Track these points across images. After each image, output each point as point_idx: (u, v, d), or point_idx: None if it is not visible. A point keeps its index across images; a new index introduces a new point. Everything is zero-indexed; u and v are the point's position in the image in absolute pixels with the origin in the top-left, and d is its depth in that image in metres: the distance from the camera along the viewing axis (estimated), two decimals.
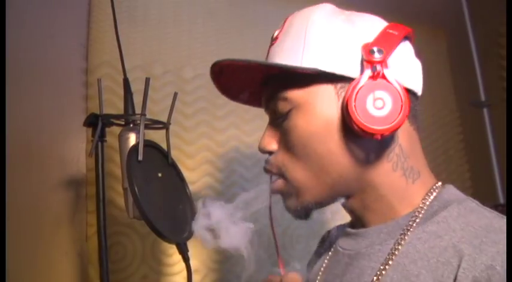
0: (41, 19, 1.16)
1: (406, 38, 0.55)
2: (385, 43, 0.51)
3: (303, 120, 0.54)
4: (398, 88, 0.48)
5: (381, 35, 0.52)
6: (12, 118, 1.06)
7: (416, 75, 0.57)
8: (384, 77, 0.49)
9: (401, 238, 0.51)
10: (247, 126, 1.32)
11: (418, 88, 0.56)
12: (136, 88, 0.84)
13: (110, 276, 0.77)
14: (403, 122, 0.49)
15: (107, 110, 1.07)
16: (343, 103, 0.51)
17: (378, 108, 0.48)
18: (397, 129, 0.49)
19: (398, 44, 0.53)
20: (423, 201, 0.54)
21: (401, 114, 0.48)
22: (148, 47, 1.26)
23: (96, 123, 0.74)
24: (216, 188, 1.25)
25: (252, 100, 0.67)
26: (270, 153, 0.59)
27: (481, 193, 1.78)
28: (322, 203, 0.57)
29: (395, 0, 1.76)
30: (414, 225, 0.52)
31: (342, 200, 0.58)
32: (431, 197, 0.54)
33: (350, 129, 0.51)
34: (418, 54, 0.58)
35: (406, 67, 0.54)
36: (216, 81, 0.64)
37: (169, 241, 0.70)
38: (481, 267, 0.42)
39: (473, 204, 0.52)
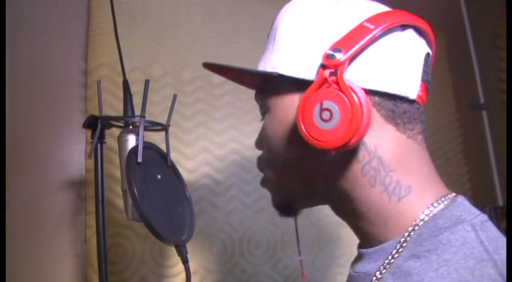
0: (40, 20, 1.16)
1: (404, 26, 0.48)
2: (351, 41, 0.44)
3: (270, 124, 0.53)
4: (353, 96, 0.42)
5: (353, 30, 0.45)
6: (11, 119, 1.05)
7: (405, 73, 0.47)
8: (336, 83, 0.43)
9: (384, 267, 0.46)
10: (246, 128, 1.32)
11: (406, 89, 0.47)
12: (136, 89, 0.84)
13: (109, 277, 0.77)
14: (359, 134, 0.42)
15: (106, 112, 1.07)
16: None
17: (324, 120, 0.43)
18: (351, 143, 0.42)
19: (374, 39, 0.45)
20: (413, 225, 0.45)
21: (353, 126, 0.41)
22: (148, 48, 1.26)
23: (96, 125, 0.74)
24: (215, 189, 1.24)
25: None
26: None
27: (480, 195, 1.78)
28: (299, 203, 0.57)
29: (394, 3, 1.77)
30: (401, 252, 0.44)
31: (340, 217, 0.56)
32: (424, 221, 0.45)
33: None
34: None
35: (386, 66, 0.46)
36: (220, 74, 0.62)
37: (169, 243, 0.70)
38: None
39: (470, 233, 0.41)
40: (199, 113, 1.28)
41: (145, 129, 0.75)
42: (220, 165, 1.27)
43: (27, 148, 1.09)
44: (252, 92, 0.62)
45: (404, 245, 0.45)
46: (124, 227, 1.11)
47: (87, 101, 1.16)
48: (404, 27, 0.48)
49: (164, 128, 0.80)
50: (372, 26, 0.45)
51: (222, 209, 1.24)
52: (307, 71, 0.46)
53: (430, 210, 0.45)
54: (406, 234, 0.45)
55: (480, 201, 1.76)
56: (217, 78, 1.32)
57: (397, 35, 0.47)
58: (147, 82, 0.75)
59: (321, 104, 0.43)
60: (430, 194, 0.47)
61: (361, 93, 0.42)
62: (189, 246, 0.74)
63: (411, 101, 0.48)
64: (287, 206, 0.58)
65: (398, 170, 0.46)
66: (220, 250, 1.22)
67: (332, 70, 0.43)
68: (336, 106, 0.42)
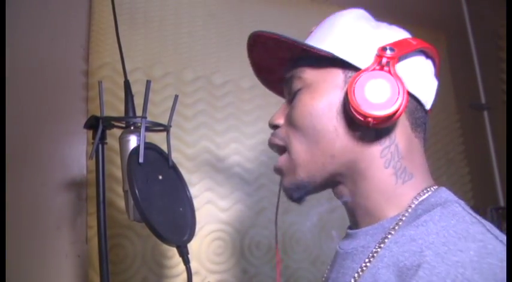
0: (41, 21, 1.17)
1: (428, 56, 0.59)
2: (400, 46, 0.54)
3: (309, 97, 0.58)
4: (399, 83, 0.50)
5: (399, 40, 0.55)
6: (12, 120, 1.06)
7: (427, 89, 0.58)
8: (389, 70, 0.51)
9: (382, 241, 0.53)
10: (247, 128, 1.32)
11: (426, 100, 0.57)
12: (137, 90, 0.84)
13: (110, 278, 0.77)
14: (397, 113, 0.50)
15: (108, 112, 1.07)
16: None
17: (375, 95, 0.51)
18: (388, 119, 0.51)
19: (414, 51, 0.55)
20: (410, 204, 0.54)
21: (395, 104, 0.50)
22: (149, 49, 1.26)
23: (97, 125, 0.74)
24: (217, 190, 1.25)
25: (280, 87, 0.69)
26: (276, 127, 0.63)
27: (481, 196, 1.78)
28: (314, 184, 0.59)
29: (397, 3, 1.77)
30: (397, 228, 0.52)
31: (344, 198, 0.60)
32: (419, 200, 0.54)
33: (349, 114, 0.54)
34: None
35: (417, 77, 0.56)
36: (250, 56, 0.68)
37: (170, 244, 0.70)
38: (436, 276, 0.43)
39: (458, 208, 0.50)
40: (200, 114, 1.28)
41: (147, 129, 0.75)
42: (221, 165, 1.27)
43: (29, 149, 1.09)
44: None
45: (402, 220, 0.53)
46: (125, 228, 1.11)
47: (89, 101, 1.16)
48: (427, 56, 0.59)
49: (165, 128, 0.80)
50: (414, 42, 0.56)
51: (223, 209, 1.24)
52: (359, 58, 0.55)
53: (424, 192, 0.55)
54: (404, 211, 0.54)
55: (481, 201, 1.76)
56: (218, 79, 1.32)
57: (428, 60, 0.59)
58: (148, 83, 0.75)
59: (375, 80, 0.51)
60: (424, 182, 0.57)
61: (404, 85, 0.51)
62: (190, 247, 0.74)
63: (425, 111, 0.59)
64: (300, 189, 0.60)
65: (406, 159, 0.56)
66: (221, 250, 1.22)
67: (387, 60, 0.52)
68: (388, 85, 0.51)
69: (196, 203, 0.82)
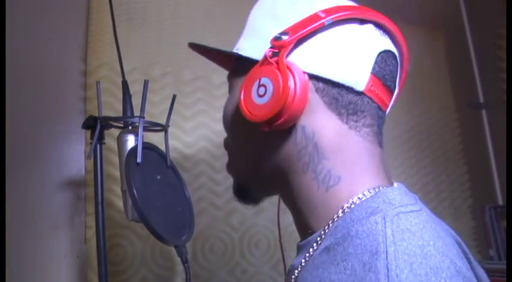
0: (39, 21, 1.16)
1: (363, 21, 0.48)
2: (301, 27, 0.45)
3: (226, 104, 0.55)
4: (288, 74, 0.43)
5: (306, 18, 0.46)
6: (10, 120, 1.05)
7: (353, 64, 0.47)
8: (276, 62, 0.44)
9: (304, 261, 0.46)
10: None
11: (352, 80, 0.47)
12: (135, 90, 0.84)
13: (109, 278, 0.77)
14: (289, 113, 0.44)
15: (106, 112, 1.07)
16: None
17: (259, 95, 0.45)
18: (281, 121, 0.44)
19: (322, 28, 0.46)
20: (334, 217, 0.44)
21: (280, 102, 0.43)
22: (147, 48, 1.26)
23: (95, 125, 0.74)
24: (215, 190, 1.25)
25: None
26: None
27: (480, 194, 1.78)
28: (253, 187, 0.57)
29: (394, 3, 1.77)
30: (314, 248, 0.45)
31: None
32: (344, 212, 0.44)
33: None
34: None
35: (333, 55, 0.46)
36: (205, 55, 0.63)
37: (169, 244, 0.70)
38: None
39: (377, 225, 0.39)
40: (199, 114, 1.28)
41: (145, 129, 0.75)
42: (220, 165, 1.27)
43: (27, 149, 1.09)
44: None
45: (323, 236, 0.44)
46: (124, 228, 1.11)
47: (87, 101, 1.16)
48: (363, 21, 0.48)
49: (163, 128, 0.80)
50: (323, 15, 0.46)
51: (222, 209, 1.24)
52: (260, 52, 0.47)
53: (353, 202, 0.44)
54: (326, 226, 0.45)
55: (480, 200, 1.76)
56: (217, 79, 1.32)
57: (352, 27, 0.48)
58: (146, 82, 0.75)
59: (259, 80, 0.45)
60: (359, 186, 0.46)
61: (300, 75, 0.44)
62: (189, 247, 0.74)
63: (358, 93, 0.47)
64: (243, 191, 0.58)
65: (332, 159, 0.46)
66: (220, 250, 1.22)
67: (275, 50, 0.45)
68: (270, 82, 0.44)
69: (194, 202, 0.82)
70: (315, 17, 0.46)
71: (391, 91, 0.51)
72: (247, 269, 1.23)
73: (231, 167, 0.59)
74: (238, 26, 1.48)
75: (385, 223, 0.39)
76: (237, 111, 0.50)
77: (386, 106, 0.51)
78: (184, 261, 0.69)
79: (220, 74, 1.33)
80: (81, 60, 1.19)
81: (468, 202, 1.76)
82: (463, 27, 1.87)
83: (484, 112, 1.85)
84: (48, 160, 1.11)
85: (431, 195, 1.66)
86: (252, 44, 0.51)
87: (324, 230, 0.44)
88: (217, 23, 1.37)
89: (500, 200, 1.79)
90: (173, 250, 0.71)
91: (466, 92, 1.88)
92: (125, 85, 0.79)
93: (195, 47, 0.59)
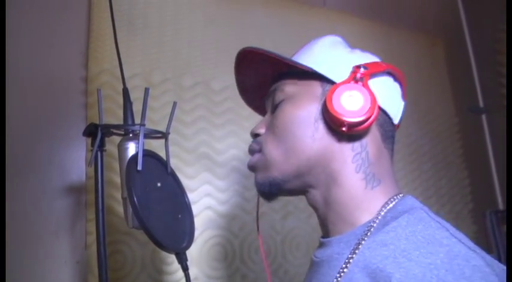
0: (40, 28, 1.17)
1: (396, 80, 0.64)
2: (372, 66, 0.60)
3: (290, 107, 0.64)
4: (371, 95, 0.56)
5: (371, 62, 0.62)
6: (12, 125, 1.06)
7: (395, 106, 0.64)
8: (362, 84, 0.58)
9: (356, 247, 0.56)
10: (246, 134, 1.32)
11: (394, 115, 0.63)
12: (136, 96, 0.84)
13: None
14: (368, 121, 0.56)
15: (107, 118, 1.08)
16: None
17: (349, 103, 0.56)
18: (361, 124, 0.56)
19: (383, 72, 0.62)
20: (379, 211, 0.58)
21: (367, 112, 0.56)
22: (148, 55, 1.26)
23: (96, 133, 0.74)
24: (216, 196, 1.25)
25: (260, 105, 0.75)
26: (257, 136, 0.68)
27: (480, 199, 1.78)
28: (287, 184, 0.63)
29: (395, 9, 1.78)
30: (369, 234, 0.56)
31: (316, 204, 0.64)
32: (387, 208, 0.58)
33: (326, 122, 0.60)
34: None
35: (386, 93, 0.62)
36: (236, 74, 0.74)
37: (169, 251, 0.70)
38: (413, 278, 0.46)
39: (423, 214, 0.54)
40: (199, 120, 1.28)
41: (145, 136, 0.75)
42: (220, 171, 1.27)
43: (28, 154, 1.09)
44: None
45: (372, 227, 0.56)
46: (124, 234, 1.11)
47: (88, 107, 1.16)
48: (396, 80, 0.65)
49: (164, 135, 0.80)
50: (384, 65, 0.62)
51: (222, 215, 1.24)
52: (337, 74, 0.61)
53: (392, 201, 0.59)
54: (374, 218, 0.57)
55: (480, 205, 1.76)
56: (217, 85, 1.32)
57: (396, 83, 0.65)
58: (147, 90, 0.75)
59: (350, 92, 0.57)
60: (392, 190, 0.61)
61: (376, 99, 0.57)
62: (190, 253, 0.74)
63: (394, 125, 0.65)
64: (272, 187, 0.64)
65: (375, 165, 0.61)
66: (221, 256, 1.22)
67: (361, 75, 0.58)
68: (361, 96, 0.56)
69: (195, 209, 0.82)
70: (377, 64, 0.62)
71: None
72: (247, 274, 1.23)
73: (275, 163, 0.63)
74: (238, 33, 1.49)
75: (428, 213, 0.55)
76: (308, 114, 0.62)
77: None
78: (185, 268, 0.69)
79: (220, 80, 1.33)
80: (83, 67, 1.20)
81: (469, 207, 1.76)
82: (463, 33, 1.88)
83: (484, 117, 1.86)
84: (49, 166, 1.11)
85: (432, 200, 1.66)
86: (325, 66, 0.62)
87: (374, 221, 0.57)
88: (217, 29, 1.38)
89: (501, 205, 1.79)
90: (173, 256, 0.71)
91: (466, 96, 1.88)
92: (125, 92, 0.79)
93: (252, 50, 0.67)
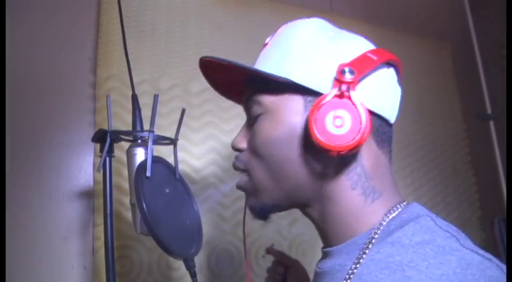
0: (50, 34, 1.18)
1: (389, 64, 0.57)
2: (360, 66, 0.51)
3: (269, 125, 0.57)
4: (361, 111, 0.49)
5: (359, 57, 0.53)
6: (20, 130, 1.07)
7: (390, 102, 0.57)
8: (349, 97, 0.50)
9: (359, 258, 0.52)
10: None
11: (389, 115, 0.56)
12: (144, 102, 0.84)
13: None
14: (360, 143, 0.49)
15: (115, 124, 1.08)
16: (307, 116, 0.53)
17: (336, 126, 0.49)
18: (352, 149, 0.49)
19: (375, 68, 0.53)
20: (381, 221, 0.53)
21: (358, 135, 0.48)
22: (156, 61, 1.27)
23: (105, 138, 0.75)
24: (223, 202, 1.25)
25: (239, 99, 0.69)
26: (240, 150, 0.62)
27: (489, 206, 1.77)
28: (279, 207, 0.60)
29: (402, 15, 1.77)
30: (370, 245, 0.52)
31: (313, 220, 0.60)
32: (390, 217, 0.54)
33: (310, 141, 0.51)
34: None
35: (379, 93, 0.55)
36: (205, 74, 0.68)
37: (177, 257, 0.70)
38: None
39: (430, 222, 0.51)
40: (207, 126, 1.28)
41: (154, 143, 0.76)
42: (228, 177, 1.27)
43: (37, 160, 1.10)
44: None
45: (375, 236, 0.52)
46: (132, 239, 1.11)
47: (96, 113, 1.17)
48: (389, 65, 0.57)
49: (172, 142, 0.80)
50: (375, 58, 0.53)
51: (229, 221, 1.24)
52: (318, 83, 0.53)
53: (395, 209, 0.54)
54: (376, 227, 0.53)
55: (488, 212, 1.75)
56: None
57: (386, 70, 0.57)
58: (156, 97, 0.75)
59: (335, 111, 0.50)
60: (394, 199, 0.56)
61: (367, 111, 0.50)
62: (197, 258, 0.74)
63: (390, 125, 0.58)
64: (265, 211, 0.61)
65: (374, 178, 0.55)
66: (227, 262, 1.21)
67: (347, 85, 0.50)
68: (348, 116, 0.49)
69: (203, 215, 0.82)
70: (367, 58, 0.53)
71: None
72: (254, 280, 1.23)
73: (262, 188, 0.59)
74: (246, 39, 1.49)
75: (434, 221, 0.51)
76: (289, 133, 0.55)
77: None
78: (193, 275, 0.69)
79: None
80: (91, 72, 1.20)
81: (477, 214, 1.74)
82: (470, 38, 1.87)
83: (491, 123, 1.84)
84: (58, 171, 1.12)
85: (439, 207, 1.65)
86: (306, 73, 0.54)
87: (375, 231, 0.52)
88: (225, 35, 1.39)
89: None
90: (180, 262, 0.71)
91: (474, 103, 1.87)
92: (134, 99, 0.79)
93: (209, 61, 0.60)
